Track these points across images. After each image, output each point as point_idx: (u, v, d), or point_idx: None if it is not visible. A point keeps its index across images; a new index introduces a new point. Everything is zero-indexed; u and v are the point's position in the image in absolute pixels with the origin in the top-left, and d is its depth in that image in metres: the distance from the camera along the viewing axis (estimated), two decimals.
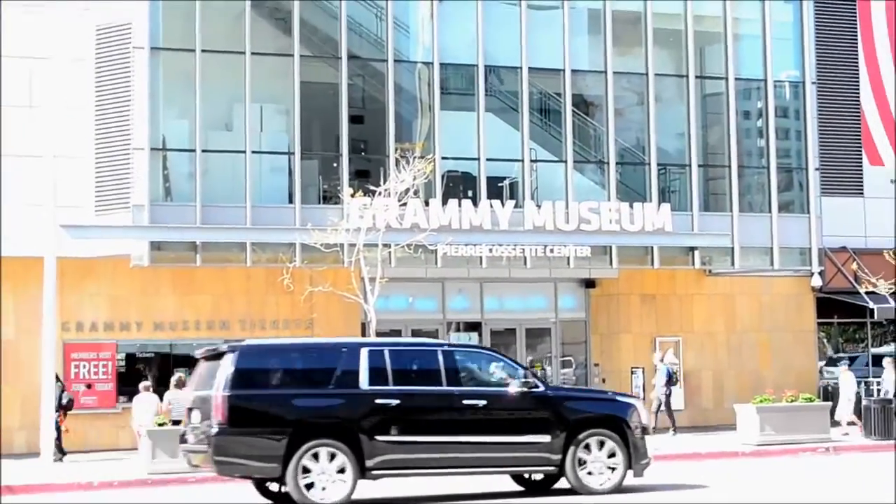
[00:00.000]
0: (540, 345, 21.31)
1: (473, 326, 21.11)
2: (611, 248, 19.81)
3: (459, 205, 18.37)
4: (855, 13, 23.48)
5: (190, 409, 10.87)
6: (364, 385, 9.94)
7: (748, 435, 17.06)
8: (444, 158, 19.06)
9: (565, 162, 20.04)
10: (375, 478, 9.87)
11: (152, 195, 17.54)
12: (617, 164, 20.24)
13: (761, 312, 22.03)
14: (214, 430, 9.66)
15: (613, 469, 9.89)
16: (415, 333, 19.85)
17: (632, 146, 21.17)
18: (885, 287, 19.43)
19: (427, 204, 18.08)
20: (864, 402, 18.24)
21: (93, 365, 18.71)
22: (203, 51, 17.86)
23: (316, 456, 9.54)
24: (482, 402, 10.11)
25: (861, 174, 22.88)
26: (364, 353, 10.30)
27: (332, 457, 9.60)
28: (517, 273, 20.21)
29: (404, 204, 17.05)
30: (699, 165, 20.57)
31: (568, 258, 19.30)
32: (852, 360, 22.28)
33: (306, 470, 9.50)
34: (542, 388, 10.56)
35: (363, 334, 17.33)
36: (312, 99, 19.13)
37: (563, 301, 21.81)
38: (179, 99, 18.35)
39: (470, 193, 19.29)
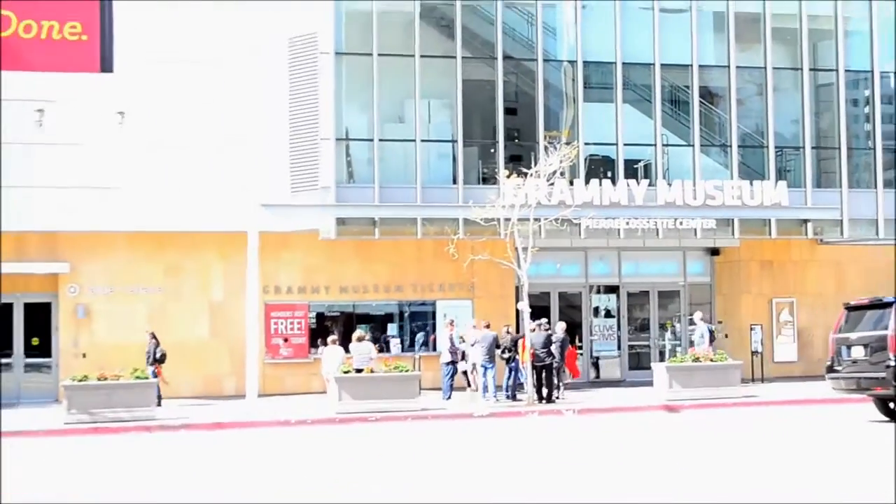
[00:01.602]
0: (670, 305, 22.60)
1: (612, 289, 22.41)
2: (733, 220, 20.91)
3: (600, 184, 19.71)
4: None
5: (846, 346, 14.55)
6: None
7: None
8: (586, 144, 20.23)
9: (693, 146, 21.17)
10: None
11: (337, 178, 19.22)
12: (739, 146, 21.30)
13: (867, 277, 22.80)
14: (893, 362, 13.16)
15: None
16: (561, 296, 21.62)
17: (752, 131, 21.99)
18: None
19: (572, 183, 19.46)
20: None
21: (289, 322, 20.60)
22: (379, 55, 19.42)
23: None
24: None
25: None
26: None
27: None
28: (650, 243, 21.47)
29: (552, 184, 18.42)
30: (812, 147, 21.56)
31: (695, 230, 20.54)
32: None
33: None
34: None
35: (516, 297, 18.88)
36: (472, 94, 20.41)
37: (691, 267, 22.98)
38: (359, 96, 19.82)
39: (609, 174, 20.48)
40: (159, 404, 16.15)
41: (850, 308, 15.43)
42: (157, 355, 17.01)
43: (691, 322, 21.01)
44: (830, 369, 15.00)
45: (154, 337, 17.22)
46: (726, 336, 21.31)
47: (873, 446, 11.25)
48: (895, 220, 21.25)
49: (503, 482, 9.22)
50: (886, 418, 13.83)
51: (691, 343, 19.89)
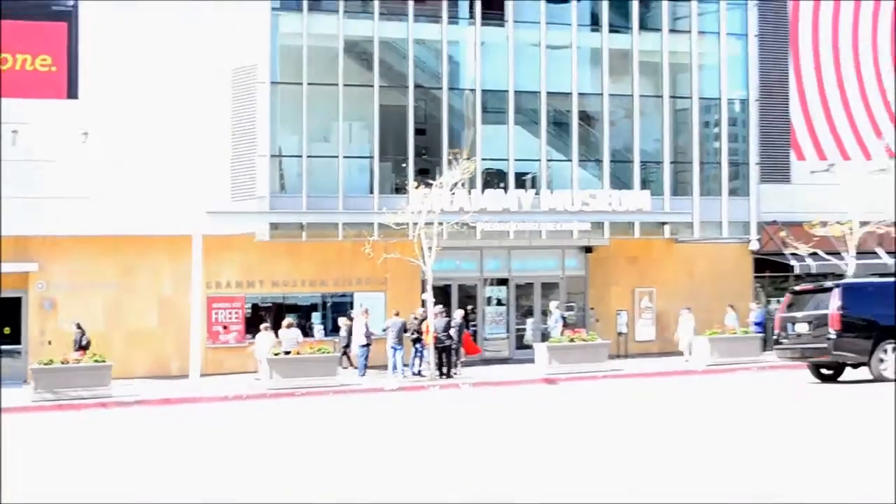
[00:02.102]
0: (551, 294, 25.63)
1: (503, 282, 25.46)
2: (604, 223, 24.36)
3: (494, 193, 22.94)
4: (787, 46, 27.65)
5: (791, 322, 17.67)
6: None
7: (702, 359, 21.89)
8: (483, 160, 23.23)
9: (572, 161, 24.61)
10: None
11: (271, 189, 22.18)
12: (610, 161, 24.81)
13: (714, 269, 26.66)
14: (832, 335, 16.25)
15: None
16: (459, 288, 24.68)
17: (621, 148, 25.49)
18: (805, 250, 24.47)
19: (470, 193, 22.33)
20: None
21: (228, 312, 23.31)
22: (308, 84, 22.40)
23: (880, 348, 15.99)
24: None
25: (789, 166, 27.48)
26: None
27: (890, 348, 16.09)
28: (535, 242, 24.73)
29: (454, 193, 21.11)
30: (670, 162, 25.28)
31: (572, 231, 24.04)
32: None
33: (879, 357, 16.08)
34: None
35: (422, 289, 21.65)
36: (387, 117, 23.37)
37: (568, 262, 26.03)
38: (291, 119, 22.62)
39: (502, 185, 23.71)
40: None
41: (795, 292, 18.92)
42: (83, 343, 19.71)
43: (545, 312, 24.46)
44: (777, 342, 18.36)
45: (80, 327, 20.07)
46: (597, 320, 24.90)
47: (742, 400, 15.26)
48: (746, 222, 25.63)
49: (406, 443, 11.35)
50: (818, 380, 17.69)
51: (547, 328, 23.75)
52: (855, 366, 17.18)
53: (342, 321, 22.36)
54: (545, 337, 23.17)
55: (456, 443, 11.08)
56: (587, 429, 12.30)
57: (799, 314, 17.90)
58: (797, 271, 25.97)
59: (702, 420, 12.76)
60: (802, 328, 17.66)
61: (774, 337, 18.78)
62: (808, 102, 27.48)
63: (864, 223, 23.37)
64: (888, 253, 25.73)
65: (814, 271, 25.32)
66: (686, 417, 13.21)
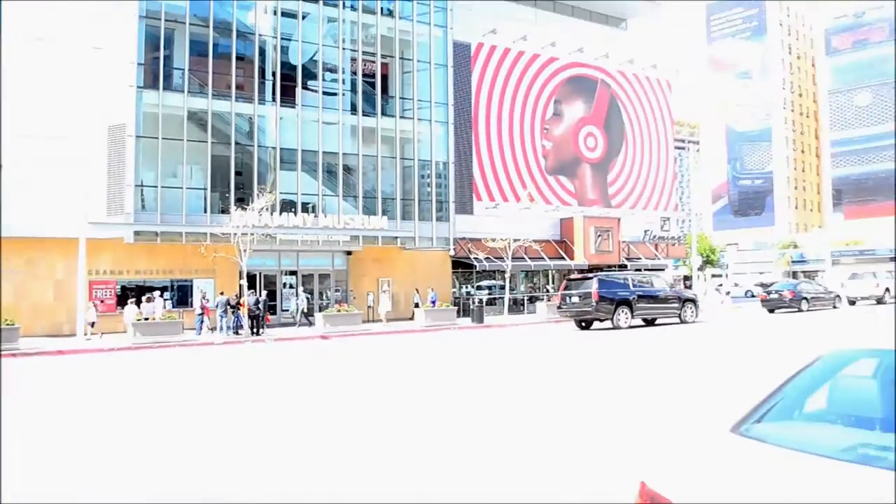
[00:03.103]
0: (325, 281, 34.93)
1: (293, 273, 34.22)
2: (359, 237, 33.63)
3: (287, 216, 31.81)
4: (471, 131, 39.51)
5: (569, 296, 26.77)
6: (632, 288, 26.84)
7: (419, 323, 31.46)
8: (280, 193, 31.98)
9: (338, 196, 33.90)
10: (636, 317, 26.41)
11: (136, 207, 29.91)
12: (362, 197, 34.40)
13: (427, 266, 36.94)
14: (593, 303, 25.83)
15: None
16: (265, 277, 33.41)
17: (370, 189, 34.92)
18: (482, 255, 36.55)
19: (272, 214, 30.91)
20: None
21: (104, 291, 30.87)
22: (163, 138, 30.30)
23: (618, 311, 26.06)
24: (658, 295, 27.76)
25: (472, 204, 39.15)
26: (630, 278, 27.96)
27: (624, 311, 26.13)
28: (315, 248, 33.38)
29: (261, 214, 29.07)
30: (401, 199, 35.47)
31: (339, 241, 33.30)
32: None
33: (618, 316, 26.07)
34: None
35: (239, 277, 29.60)
36: (217, 163, 31.48)
37: (336, 261, 35.38)
38: (149, 161, 30.34)
39: (293, 210, 32.24)
40: None
41: (570, 280, 27.98)
42: None
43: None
44: (559, 307, 27.68)
45: None
46: (354, 298, 35.06)
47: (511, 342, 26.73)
48: (445, 237, 37.45)
49: (223, 379, 15.32)
50: (579, 329, 26.97)
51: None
52: (603, 320, 26.93)
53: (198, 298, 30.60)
54: (321, 308, 34.04)
55: (256, 369, 17.38)
56: (349, 362, 20.65)
57: (573, 292, 26.95)
58: (478, 268, 37.96)
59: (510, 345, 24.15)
60: (575, 300, 26.62)
61: (558, 304, 28.15)
62: (483, 166, 40.63)
63: (516, 240, 35.78)
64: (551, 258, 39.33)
65: (488, 268, 37.87)
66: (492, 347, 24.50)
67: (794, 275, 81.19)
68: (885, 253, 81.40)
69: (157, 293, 30.00)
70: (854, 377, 3.34)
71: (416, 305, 34.53)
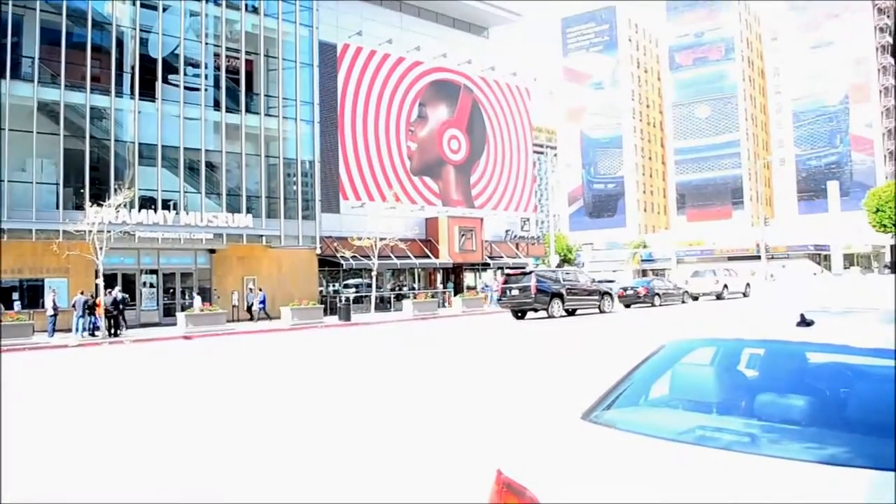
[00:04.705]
0: (188, 280, 34.29)
1: (153, 272, 33.36)
2: (223, 235, 33.36)
3: (147, 213, 31.16)
4: (337, 131, 39.83)
5: (510, 289, 30.32)
6: (562, 282, 30.20)
7: (286, 322, 31.48)
8: (140, 189, 31.00)
9: (201, 193, 33.38)
10: (566, 308, 30.11)
11: None
12: (226, 195, 34.04)
13: (293, 265, 37.01)
14: (532, 295, 29.06)
15: None
16: (124, 276, 32.33)
17: (234, 187, 34.51)
18: (348, 254, 36.71)
19: (130, 211, 29.97)
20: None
21: None
22: (10, 129, 28.76)
23: (553, 302, 28.46)
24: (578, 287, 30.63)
25: (339, 203, 39.64)
26: (560, 272, 31.03)
27: (558, 302, 29.40)
28: (176, 246, 32.72)
29: (118, 211, 28.45)
30: (266, 197, 35.40)
31: (202, 239, 32.86)
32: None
33: (553, 306, 29.36)
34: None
35: (95, 276, 28.36)
36: (70, 157, 30.01)
37: (199, 259, 34.70)
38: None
39: (153, 207, 31.48)
40: None
41: (508, 275, 31.20)
42: None
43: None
44: (500, 300, 30.93)
45: None
46: (219, 297, 34.63)
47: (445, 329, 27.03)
48: (312, 236, 37.70)
49: (80, 382, 15.78)
50: (517, 319, 29.69)
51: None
52: (537, 310, 30.21)
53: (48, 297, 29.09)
54: (184, 308, 33.38)
55: (107, 374, 18.39)
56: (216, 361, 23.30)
57: (514, 286, 30.42)
58: (344, 267, 38.52)
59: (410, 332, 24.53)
60: (516, 293, 30.18)
61: (498, 297, 31.98)
62: (349, 165, 41.17)
63: (382, 239, 36.47)
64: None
65: (354, 267, 38.54)
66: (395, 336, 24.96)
67: (644, 273, 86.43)
68: (723, 252, 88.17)
69: None
70: (693, 364, 3.53)
71: (250, 308, 34.04)
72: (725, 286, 41.28)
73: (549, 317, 29.95)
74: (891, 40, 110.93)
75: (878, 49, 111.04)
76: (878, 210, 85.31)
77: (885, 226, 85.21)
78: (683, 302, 38.64)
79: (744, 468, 2.56)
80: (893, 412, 2.87)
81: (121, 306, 28.56)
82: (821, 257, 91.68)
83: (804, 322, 3.36)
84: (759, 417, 3.06)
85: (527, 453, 3.03)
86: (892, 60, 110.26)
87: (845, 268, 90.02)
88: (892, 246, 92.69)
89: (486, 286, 45.46)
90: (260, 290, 35.75)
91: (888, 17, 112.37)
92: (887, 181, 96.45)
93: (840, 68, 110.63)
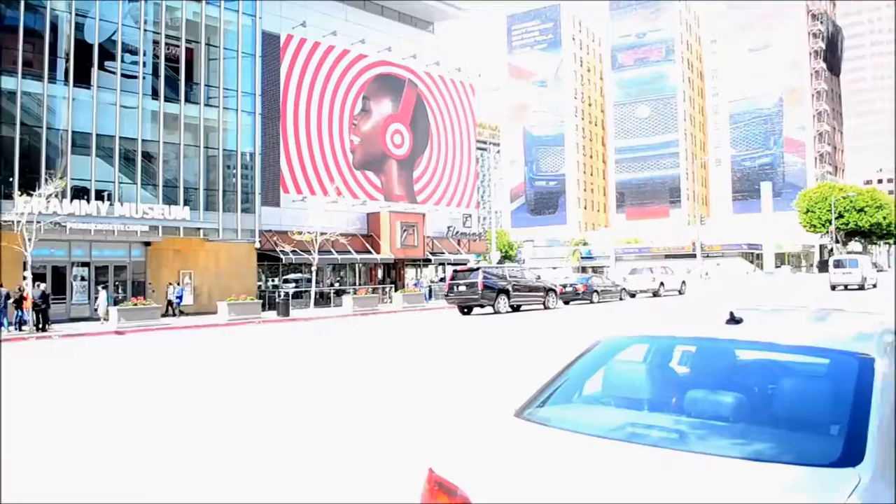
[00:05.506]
0: (122, 274, 33.56)
1: (86, 265, 32.29)
2: (159, 227, 32.36)
3: (79, 203, 30.08)
4: (279, 123, 39.27)
5: (457, 286, 30.28)
6: (508, 279, 30.89)
7: (223, 317, 30.88)
8: (72, 179, 30.08)
9: (136, 184, 32.64)
10: (511, 304, 30.45)
11: None
12: (163, 186, 33.36)
13: (231, 259, 36.38)
14: (479, 291, 29.20)
15: None
16: (54, 269, 31.32)
17: (171, 178, 33.85)
18: (289, 248, 36.67)
19: (62, 202, 28.46)
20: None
21: None
22: None
23: (499, 298, 29.34)
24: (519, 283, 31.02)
25: (279, 196, 39.18)
26: (506, 269, 31.09)
27: (504, 299, 29.65)
28: (110, 238, 31.67)
29: (49, 201, 26.88)
30: (204, 189, 34.61)
31: (137, 231, 32.00)
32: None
33: (499, 302, 29.57)
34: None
35: (23, 269, 27.42)
36: (0, 144, 29.14)
37: (134, 252, 33.83)
38: None
39: (86, 197, 30.46)
40: None
41: (456, 272, 31.35)
42: None
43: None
44: (447, 295, 30.96)
45: None
46: (153, 291, 33.85)
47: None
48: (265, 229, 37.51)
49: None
50: (462, 315, 29.64)
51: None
52: (483, 306, 30.60)
53: None
54: (118, 302, 32.49)
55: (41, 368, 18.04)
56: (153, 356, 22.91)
57: (461, 282, 30.60)
58: (284, 261, 38.24)
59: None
60: (463, 289, 30.40)
61: (445, 293, 31.92)
62: (291, 158, 40.77)
63: (323, 233, 36.45)
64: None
65: (294, 262, 38.36)
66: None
67: (584, 270, 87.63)
68: (660, 250, 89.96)
69: None
70: (626, 362, 3.57)
71: (169, 303, 33.35)
72: (662, 284, 42.15)
73: (496, 312, 30.28)
74: (823, 45, 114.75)
75: (812, 54, 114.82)
76: (808, 211, 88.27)
77: (814, 226, 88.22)
78: (621, 299, 39.31)
79: (672, 465, 2.59)
80: (817, 408, 2.95)
81: (47, 300, 27.76)
82: (754, 256, 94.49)
83: (733, 320, 3.41)
84: (689, 414, 3.09)
85: (459, 451, 3.01)
86: (824, 65, 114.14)
87: (777, 266, 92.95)
88: (821, 246, 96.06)
89: (417, 282, 45.63)
90: (178, 283, 34.61)
91: (821, 22, 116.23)
92: (818, 183, 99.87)
93: (776, 71, 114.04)
